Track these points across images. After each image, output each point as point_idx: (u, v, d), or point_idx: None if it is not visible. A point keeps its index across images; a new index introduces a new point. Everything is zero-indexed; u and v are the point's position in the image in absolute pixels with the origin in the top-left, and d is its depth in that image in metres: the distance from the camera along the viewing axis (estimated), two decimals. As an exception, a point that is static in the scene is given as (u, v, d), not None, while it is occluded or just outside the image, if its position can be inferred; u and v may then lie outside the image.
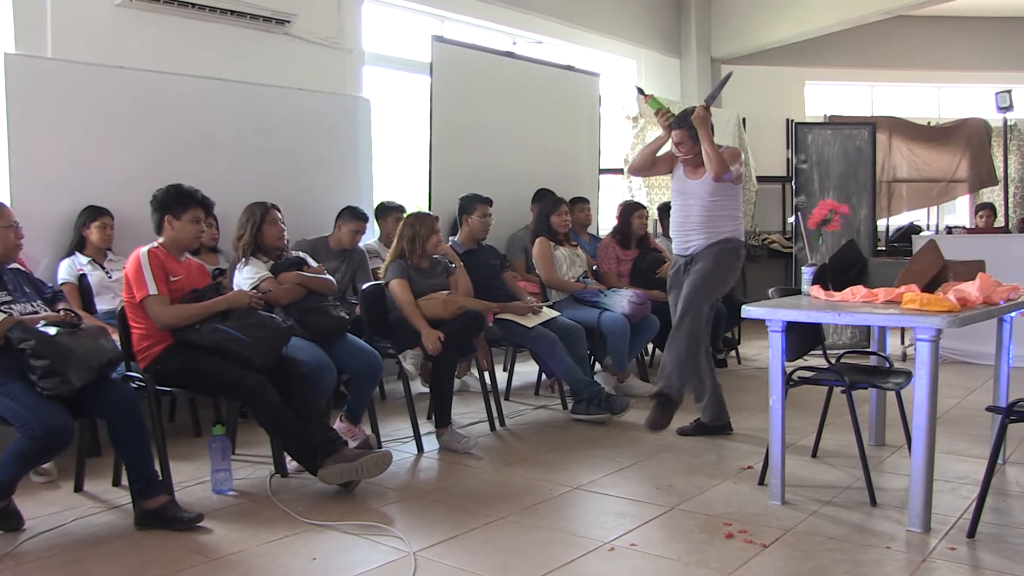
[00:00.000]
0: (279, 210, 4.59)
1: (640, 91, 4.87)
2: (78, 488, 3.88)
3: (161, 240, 3.94)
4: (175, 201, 3.92)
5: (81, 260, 4.85)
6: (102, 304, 4.79)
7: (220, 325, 3.83)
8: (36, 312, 3.58)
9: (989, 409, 3.49)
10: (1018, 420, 3.20)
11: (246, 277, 4.38)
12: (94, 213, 4.91)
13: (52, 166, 4.93)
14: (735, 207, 4.65)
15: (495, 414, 5.13)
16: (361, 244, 5.73)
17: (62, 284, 4.70)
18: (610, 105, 7.93)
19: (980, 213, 8.72)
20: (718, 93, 4.71)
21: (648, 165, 4.79)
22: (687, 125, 4.50)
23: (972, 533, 3.18)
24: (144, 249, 3.83)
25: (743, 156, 4.67)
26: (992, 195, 10.32)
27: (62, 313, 3.60)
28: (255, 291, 4.14)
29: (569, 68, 7.78)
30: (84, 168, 5.05)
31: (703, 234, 4.58)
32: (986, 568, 2.94)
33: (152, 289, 3.75)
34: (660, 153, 4.78)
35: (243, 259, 4.43)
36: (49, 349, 3.25)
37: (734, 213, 4.64)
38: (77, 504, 3.70)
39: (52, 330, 3.34)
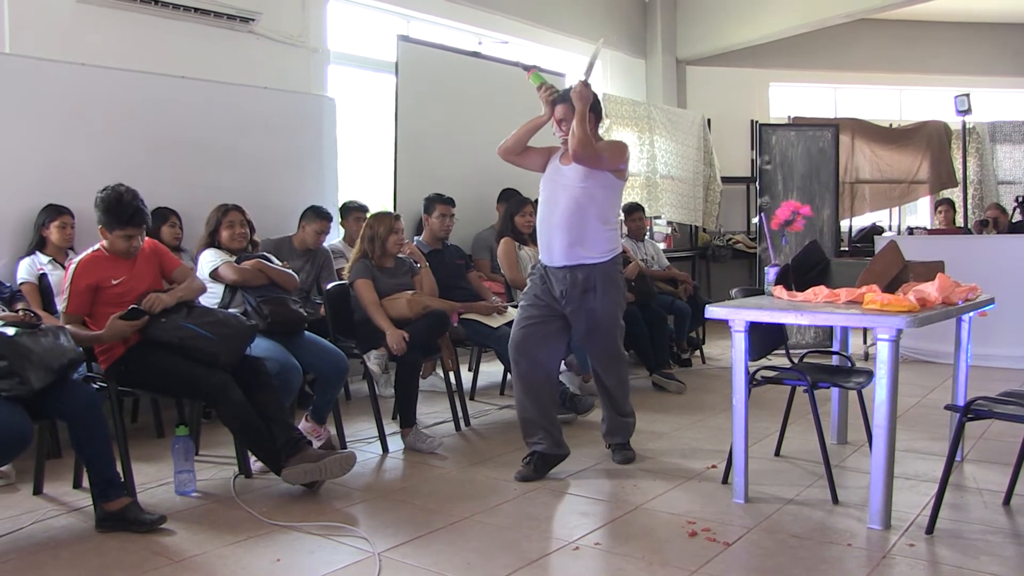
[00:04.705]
0: (243, 212, 4.58)
1: (523, 67, 4.73)
2: (37, 491, 3.83)
3: (103, 243, 3.92)
4: (106, 217, 3.81)
5: (41, 259, 4.79)
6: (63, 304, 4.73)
7: (184, 322, 3.81)
8: (-6, 313, 3.54)
9: (947, 407, 3.54)
10: (975, 418, 3.26)
11: (209, 260, 4.44)
12: (54, 212, 4.84)
13: (11, 164, 4.86)
14: (608, 210, 4.12)
15: (460, 414, 5.12)
16: (325, 244, 5.70)
17: (21, 284, 4.64)
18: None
19: (939, 209, 8.85)
20: (593, 64, 4.18)
21: (520, 148, 4.26)
22: (570, 100, 4.04)
23: (931, 530, 3.22)
24: (82, 256, 3.85)
25: (628, 153, 4.12)
26: (952, 196, 10.46)
27: (21, 313, 3.56)
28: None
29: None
30: (44, 166, 4.98)
31: (566, 235, 4.04)
32: (943, 563, 2.98)
33: (62, 305, 3.84)
34: (537, 144, 4.33)
35: (203, 249, 4.53)
36: (7, 350, 3.21)
37: (605, 215, 4.10)
38: (36, 507, 3.65)
39: (10, 330, 3.29)
